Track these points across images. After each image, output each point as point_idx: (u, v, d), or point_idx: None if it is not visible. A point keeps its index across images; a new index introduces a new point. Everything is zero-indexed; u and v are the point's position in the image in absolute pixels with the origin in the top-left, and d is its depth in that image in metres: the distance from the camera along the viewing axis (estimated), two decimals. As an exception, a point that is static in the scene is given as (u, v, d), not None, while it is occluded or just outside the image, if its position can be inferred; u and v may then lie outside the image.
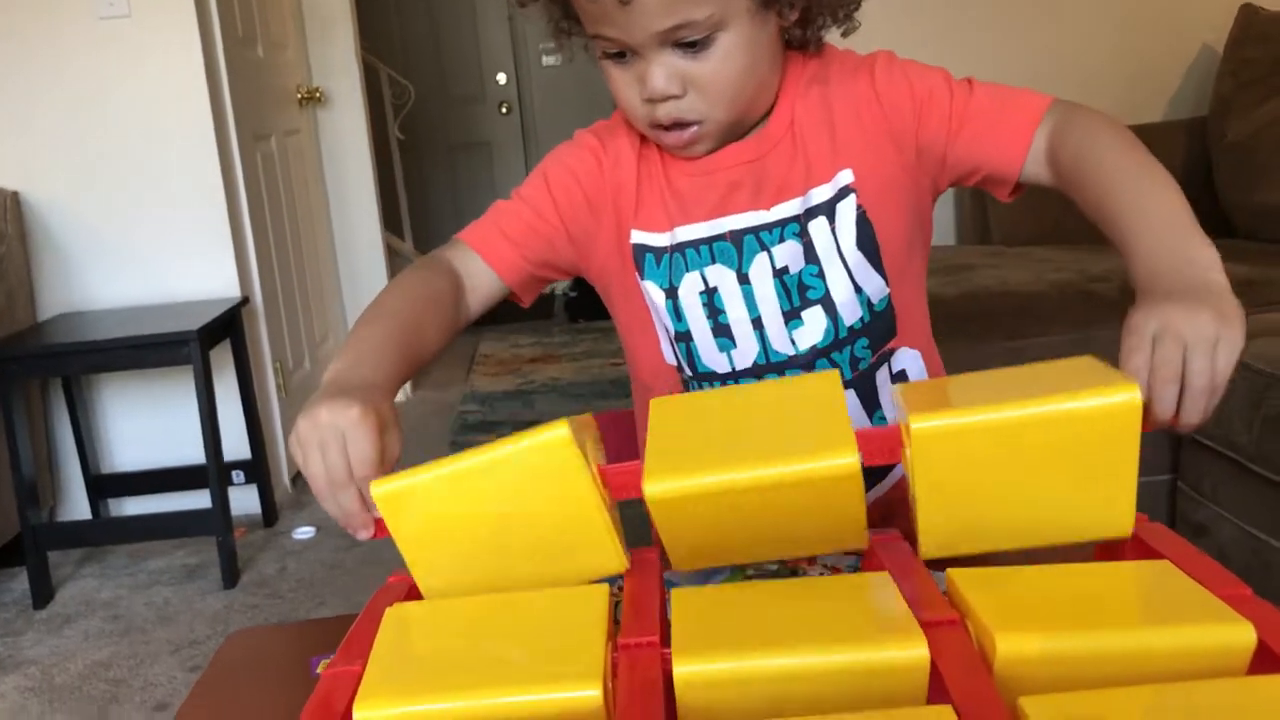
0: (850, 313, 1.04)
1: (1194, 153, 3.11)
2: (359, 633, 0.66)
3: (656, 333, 1.09)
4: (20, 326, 2.73)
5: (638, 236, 1.06)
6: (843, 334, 1.04)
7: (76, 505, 2.96)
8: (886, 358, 1.08)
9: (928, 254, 1.11)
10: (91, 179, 2.88)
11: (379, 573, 2.73)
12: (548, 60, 6.28)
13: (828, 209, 1.02)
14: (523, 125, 6.38)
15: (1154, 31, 3.33)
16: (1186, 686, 0.52)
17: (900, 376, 1.09)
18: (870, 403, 1.08)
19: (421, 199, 6.02)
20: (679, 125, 0.98)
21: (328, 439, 0.77)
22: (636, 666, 0.58)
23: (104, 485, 2.97)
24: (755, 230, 1.03)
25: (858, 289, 1.03)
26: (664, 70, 0.94)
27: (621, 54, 0.96)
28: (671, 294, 1.05)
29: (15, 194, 2.80)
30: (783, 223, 1.03)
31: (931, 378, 1.11)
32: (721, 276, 1.04)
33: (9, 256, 2.69)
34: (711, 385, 1.08)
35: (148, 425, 2.98)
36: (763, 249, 1.03)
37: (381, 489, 0.70)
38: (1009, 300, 2.30)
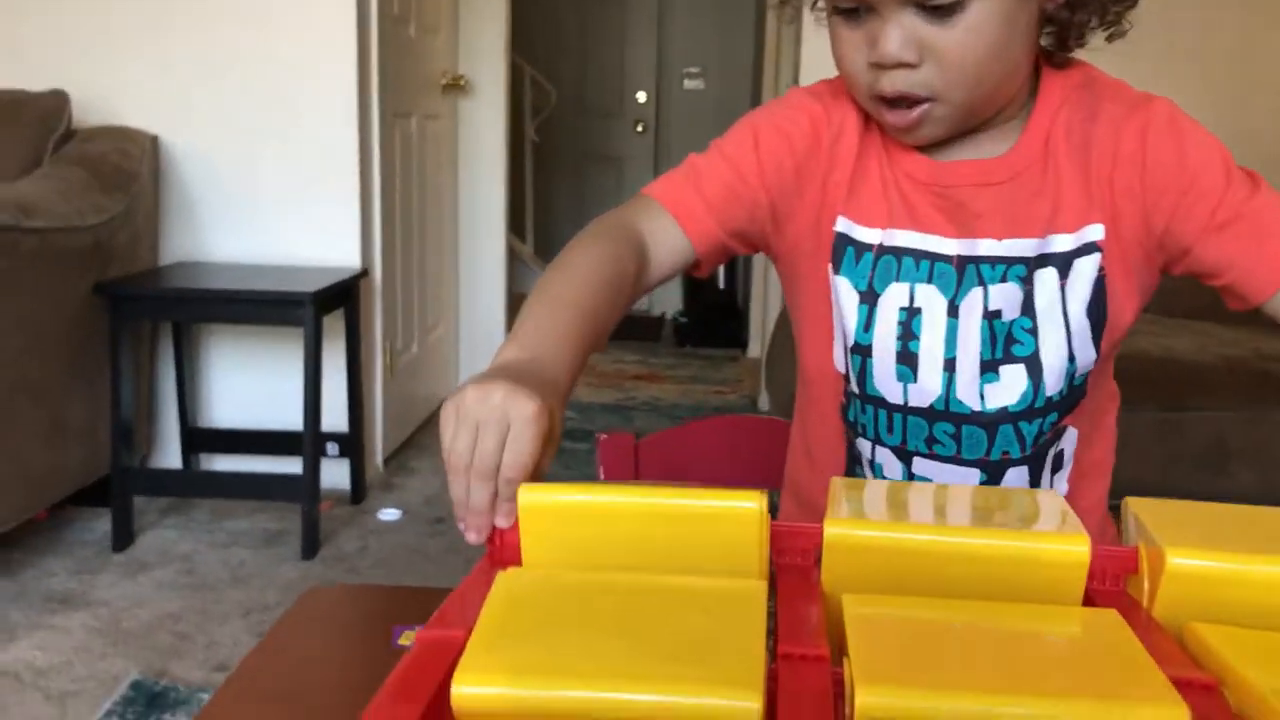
0: (1054, 382, 0.91)
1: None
2: (461, 598, 0.55)
3: (833, 332, 0.97)
4: (141, 268, 2.72)
5: (843, 225, 0.94)
6: (1039, 403, 0.91)
7: (168, 456, 2.94)
8: (1060, 434, 0.95)
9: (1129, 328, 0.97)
10: (230, 133, 2.87)
11: (461, 563, 2.66)
12: (689, 84, 6.22)
13: (1063, 262, 0.89)
14: (656, 145, 6.32)
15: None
16: None
17: (1060, 456, 0.96)
18: (1035, 481, 0.95)
19: (546, 204, 5.99)
20: (906, 102, 0.85)
21: (490, 423, 0.66)
22: (803, 681, 0.47)
23: (198, 439, 2.94)
24: (978, 261, 0.90)
25: (1070, 358, 0.90)
26: (901, 32, 0.82)
27: (855, 10, 0.85)
28: (868, 299, 0.93)
29: (155, 138, 2.80)
30: (1010, 261, 0.90)
31: (1084, 458, 0.98)
32: (930, 300, 0.91)
33: (140, 198, 2.68)
34: (877, 413, 0.95)
35: (250, 385, 2.94)
36: (980, 284, 0.90)
37: (531, 497, 0.60)
38: (1171, 368, 2.13)
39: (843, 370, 0.97)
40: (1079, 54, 0.93)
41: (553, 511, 0.60)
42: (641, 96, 6.29)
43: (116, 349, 2.52)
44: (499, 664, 0.47)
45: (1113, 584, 0.59)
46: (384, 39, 3.02)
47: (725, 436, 1.26)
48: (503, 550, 0.62)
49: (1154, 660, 0.47)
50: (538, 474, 0.67)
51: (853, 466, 1.01)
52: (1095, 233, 0.89)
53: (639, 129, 6.32)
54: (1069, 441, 0.97)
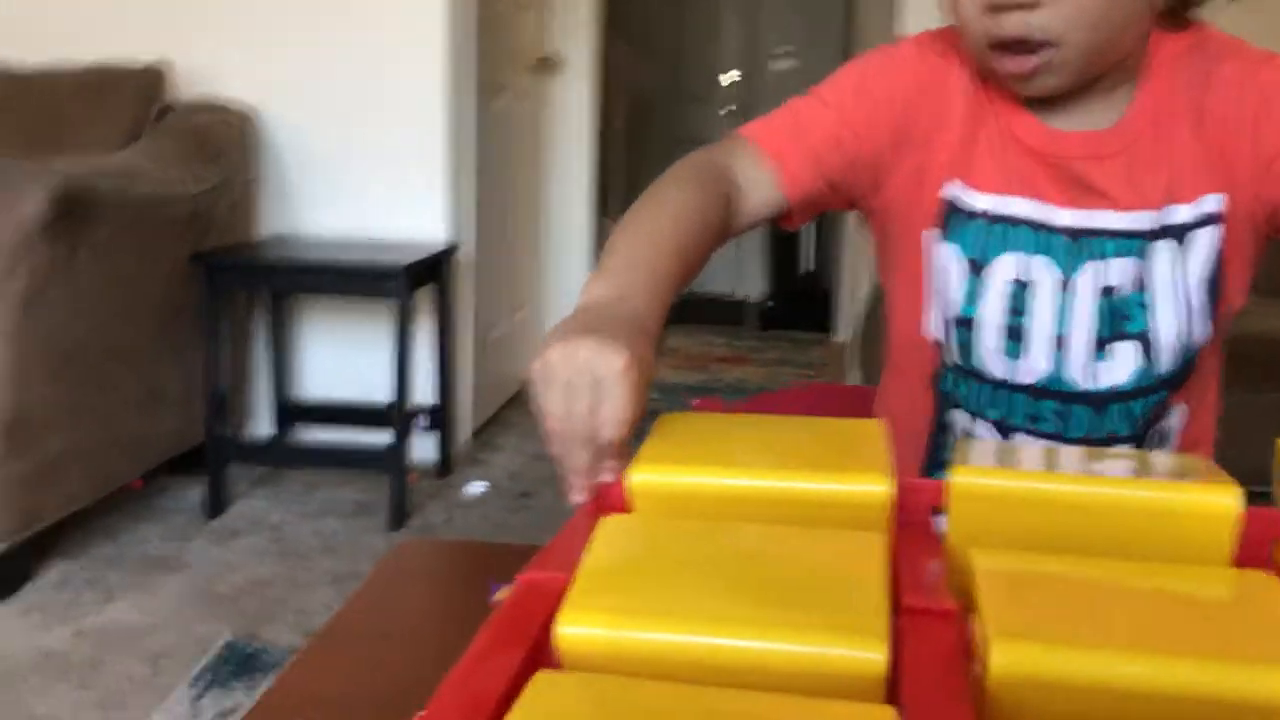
0: (1168, 359, 0.87)
1: None
2: (564, 543, 0.53)
3: (923, 299, 0.93)
4: (237, 240, 2.76)
5: (953, 189, 0.89)
6: (1150, 381, 0.87)
7: (261, 426, 2.98)
8: (1167, 411, 0.91)
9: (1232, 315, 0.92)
10: (325, 107, 2.89)
11: (546, 538, 2.63)
12: (779, 65, 6.15)
13: (1181, 234, 0.85)
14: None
15: None
16: None
17: (1165, 432, 0.92)
18: None
19: (634, 188, 5.96)
20: (1024, 48, 0.80)
21: (579, 385, 0.63)
22: (930, 636, 0.43)
23: (291, 411, 2.98)
24: (1098, 234, 0.86)
25: (1187, 333, 0.86)
26: None
27: None
28: (976, 269, 0.88)
29: (252, 112, 2.83)
30: (1129, 234, 0.85)
31: (1187, 434, 0.93)
32: (1044, 274, 0.87)
33: (237, 170, 2.72)
34: (978, 388, 0.91)
35: (341, 358, 2.97)
36: (1095, 258, 0.86)
37: (643, 478, 0.57)
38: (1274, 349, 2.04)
39: (934, 339, 0.93)
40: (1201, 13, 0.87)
41: (667, 492, 0.57)
42: (730, 78, 6.24)
43: (213, 319, 2.55)
44: (605, 605, 0.44)
45: (1259, 549, 0.54)
46: (476, 15, 3.02)
47: (813, 405, 1.23)
48: (607, 499, 0.59)
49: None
50: (639, 422, 0.64)
51: (939, 438, 0.97)
52: (1213, 203, 0.85)
53: (727, 111, 6.27)
54: (1176, 418, 0.92)
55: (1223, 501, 0.52)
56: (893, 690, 0.41)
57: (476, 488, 2.82)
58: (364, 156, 2.91)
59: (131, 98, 2.64)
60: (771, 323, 5.14)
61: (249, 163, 2.82)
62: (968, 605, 0.46)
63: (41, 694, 1.78)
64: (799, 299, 5.17)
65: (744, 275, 5.61)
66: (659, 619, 0.43)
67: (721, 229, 0.86)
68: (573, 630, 0.43)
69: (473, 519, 2.64)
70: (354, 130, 2.90)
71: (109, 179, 2.19)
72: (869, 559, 0.48)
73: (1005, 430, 0.92)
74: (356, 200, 2.93)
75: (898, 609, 0.46)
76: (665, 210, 0.82)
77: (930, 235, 0.90)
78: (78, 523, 2.37)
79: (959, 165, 0.89)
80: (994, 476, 0.54)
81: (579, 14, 3.93)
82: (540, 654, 0.43)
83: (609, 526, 0.52)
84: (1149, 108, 0.86)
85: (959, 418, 0.95)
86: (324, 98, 2.89)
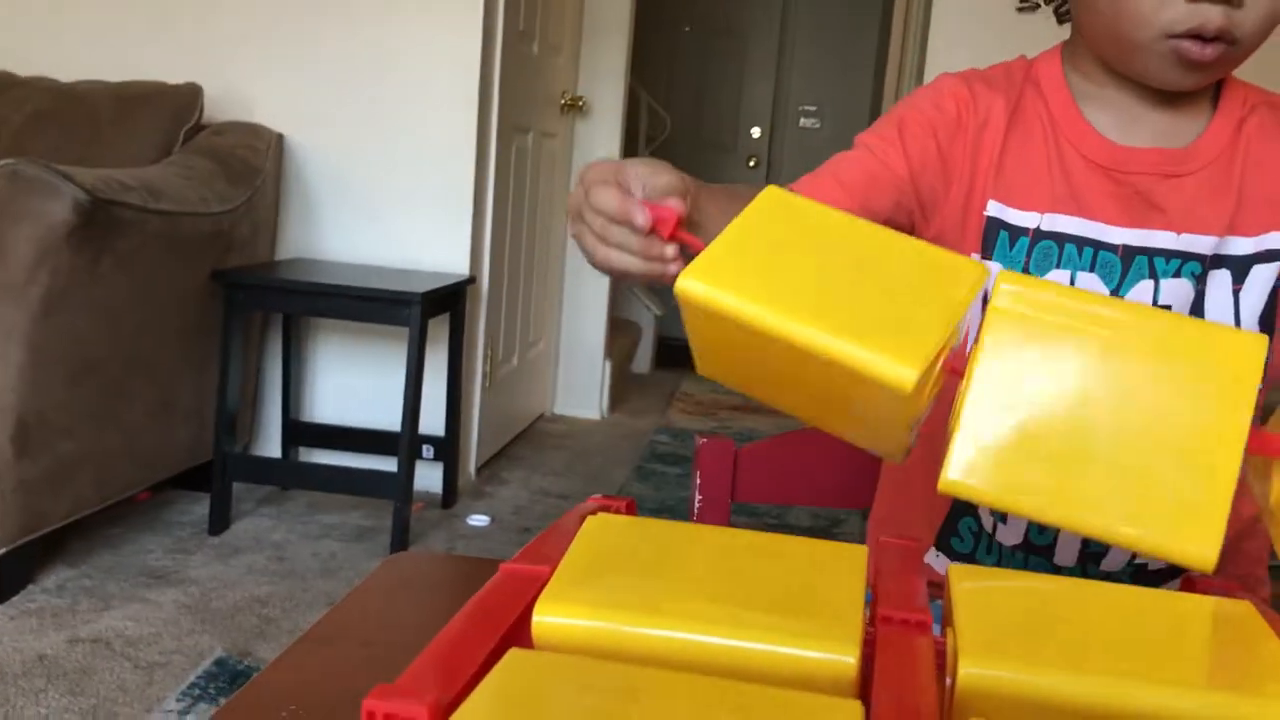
0: None
1: None
2: (549, 539, 0.54)
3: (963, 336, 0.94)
4: (259, 260, 2.79)
5: (996, 209, 0.91)
6: None
7: (269, 446, 2.99)
8: None
9: None
10: (353, 136, 2.93)
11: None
12: (805, 122, 6.21)
13: (1240, 265, 0.87)
14: (768, 181, 6.30)
15: None
16: None
17: None
18: None
19: (655, 234, 6.00)
20: (1216, 39, 0.82)
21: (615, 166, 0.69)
22: (903, 645, 0.44)
23: (299, 432, 2.99)
24: (1151, 253, 0.87)
25: None
26: None
27: None
28: None
29: (281, 136, 2.87)
30: (1185, 256, 0.87)
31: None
32: (1093, 289, 0.88)
33: (262, 192, 2.75)
34: None
35: (352, 383, 2.99)
36: (1150, 277, 0.87)
37: (690, 284, 0.52)
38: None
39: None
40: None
41: (713, 308, 0.56)
42: (756, 132, 6.29)
43: (229, 336, 2.58)
44: (583, 597, 0.45)
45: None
46: (507, 54, 3.06)
47: (826, 447, 1.23)
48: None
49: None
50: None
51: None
52: (1276, 240, 0.87)
53: (752, 164, 6.31)
54: None
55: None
56: (865, 696, 0.42)
57: (479, 520, 2.82)
58: (390, 186, 2.95)
59: (167, 114, 2.68)
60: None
61: (275, 186, 2.85)
62: (945, 619, 0.47)
63: (32, 698, 1.78)
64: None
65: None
66: (636, 613, 0.44)
67: None
68: (550, 619, 0.44)
69: (473, 550, 2.63)
70: (382, 160, 2.94)
71: (136, 191, 2.22)
72: (848, 569, 0.48)
73: None
74: (379, 228, 2.96)
75: (875, 619, 0.46)
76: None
77: (974, 258, 0.92)
78: (81, 531, 2.38)
79: (1000, 186, 0.91)
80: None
81: (609, 59, 3.98)
82: (515, 639, 0.44)
83: (594, 525, 0.52)
84: (1223, 138, 0.89)
85: None
86: (354, 127, 2.93)
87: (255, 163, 2.73)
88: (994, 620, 0.46)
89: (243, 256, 2.68)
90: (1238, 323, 0.87)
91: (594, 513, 0.55)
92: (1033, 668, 0.42)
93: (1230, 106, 0.90)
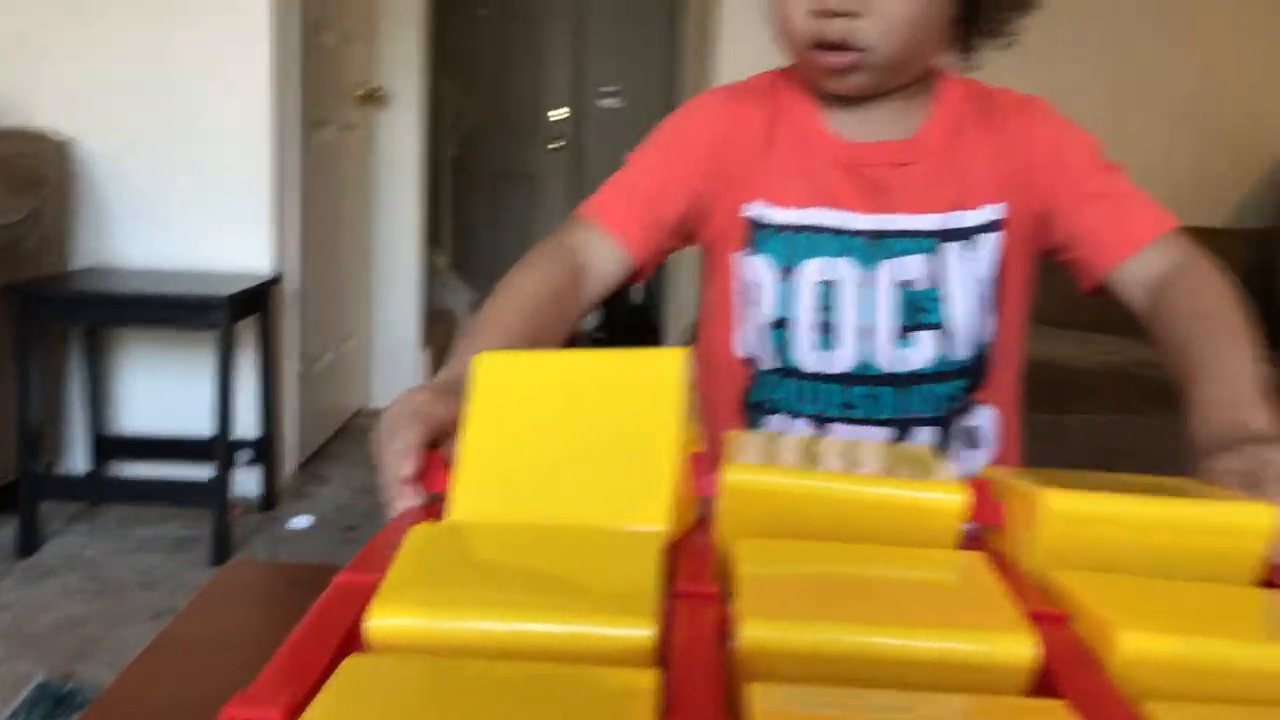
0: (961, 347, 1.00)
1: (1256, 262, 3.06)
2: (377, 548, 0.59)
3: (737, 319, 1.03)
4: (50, 271, 2.68)
5: (756, 209, 1.00)
6: (946, 367, 1.00)
7: (76, 462, 2.89)
8: (970, 408, 1.03)
9: (1027, 317, 1.06)
10: (144, 137, 2.85)
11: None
12: (606, 102, 6.29)
13: (968, 236, 0.98)
14: (573, 162, 6.37)
15: (1226, 142, 3.30)
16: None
17: (974, 433, 1.04)
18: (943, 449, 1.02)
19: (461, 220, 5.99)
20: (843, 47, 0.92)
21: (403, 414, 0.71)
22: (694, 616, 0.51)
23: (108, 446, 2.91)
24: (890, 235, 0.98)
25: (975, 325, 1.00)
26: None
27: None
28: (786, 274, 0.99)
29: (66, 142, 2.77)
30: (919, 234, 0.98)
31: (1002, 444, 1.06)
32: (845, 273, 0.99)
33: (50, 201, 2.65)
34: (796, 384, 1.01)
35: (161, 391, 2.91)
36: (892, 256, 0.98)
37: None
38: (1054, 374, 2.23)
39: (745, 355, 1.03)
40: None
41: (505, 364, 0.68)
42: (558, 114, 6.34)
43: (25, 352, 2.48)
44: (411, 599, 0.50)
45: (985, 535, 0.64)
46: (301, 46, 3.02)
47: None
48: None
49: (1012, 597, 0.52)
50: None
51: None
52: (996, 211, 0.99)
53: (556, 146, 6.36)
54: (985, 419, 1.04)
55: (949, 498, 0.61)
56: (663, 663, 0.48)
57: (302, 521, 2.81)
58: (187, 188, 2.88)
59: (-64, 124, 2.55)
60: (603, 353, 5.22)
61: (63, 194, 2.75)
62: (729, 590, 0.54)
63: None
64: (630, 330, 5.28)
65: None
66: (459, 609, 0.49)
67: (575, 300, 0.95)
68: (381, 622, 0.49)
69: (298, 553, 2.62)
70: (176, 161, 2.87)
71: (-88, 208, 2.12)
72: (645, 552, 0.55)
73: (822, 422, 1.02)
74: (178, 232, 2.89)
75: (672, 594, 0.53)
76: (512, 296, 0.91)
77: (739, 255, 1.01)
78: (-125, 566, 2.27)
79: (761, 187, 1.01)
80: (758, 473, 0.62)
81: (407, 48, 3.95)
82: (352, 647, 0.49)
83: (418, 534, 0.57)
84: (940, 127, 1.00)
85: (775, 423, 1.04)
86: (144, 128, 2.84)
87: (40, 171, 2.63)
88: (772, 586, 0.53)
89: (33, 269, 2.59)
90: (970, 287, 0.98)
91: (417, 521, 0.60)
92: (802, 626, 0.49)
93: (948, 99, 1.01)
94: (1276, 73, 3.27)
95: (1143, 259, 0.95)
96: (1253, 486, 0.68)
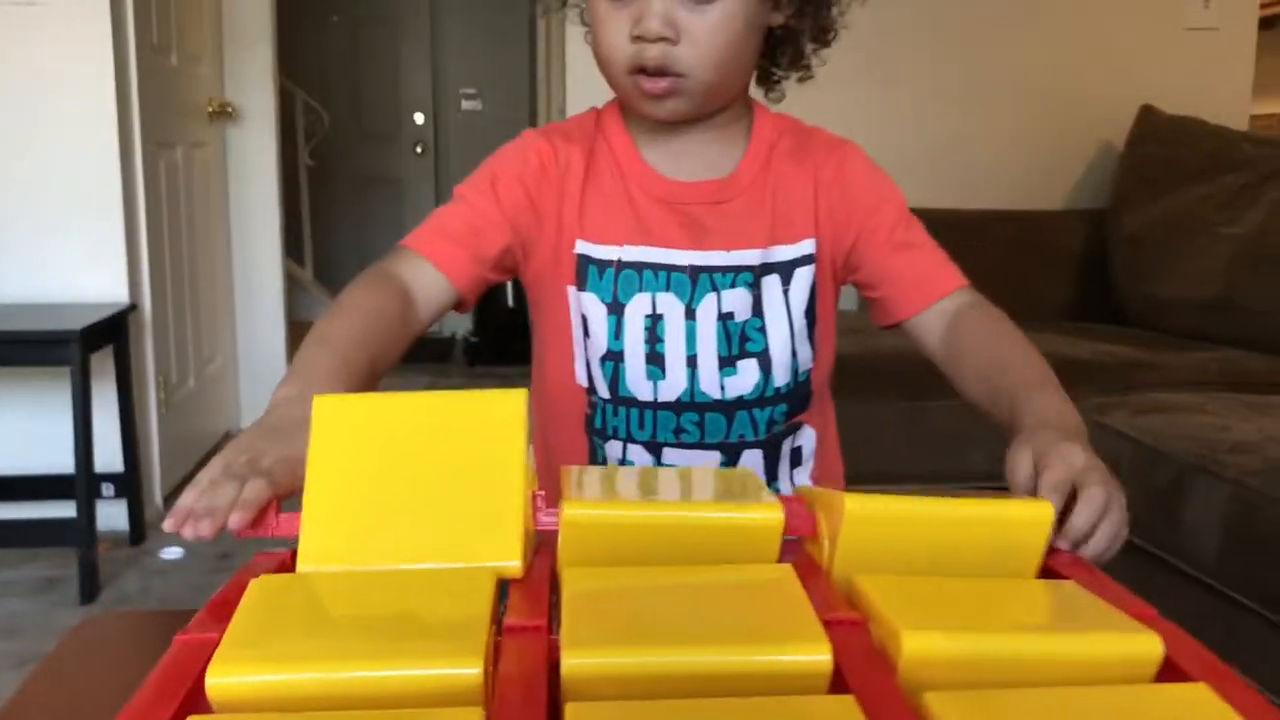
0: (781, 374, 1.05)
1: (1092, 243, 3.21)
2: (220, 603, 0.61)
3: (574, 349, 1.07)
4: (-113, 313, 2.59)
5: (583, 247, 1.04)
6: (769, 392, 1.05)
7: (-71, 508, 2.79)
8: (794, 430, 1.09)
9: (834, 342, 1.12)
10: (-18, 169, 2.76)
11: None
12: (467, 105, 6.27)
13: (785, 270, 1.04)
14: (436, 166, 6.34)
15: (1060, 127, 3.44)
16: (1093, 691, 0.50)
17: (799, 452, 1.10)
18: (771, 469, 1.09)
19: (325, 229, 5.91)
20: (662, 73, 0.96)
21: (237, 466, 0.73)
22: (523, 651, 0.54)
23: (-39, 489, 2.81)
24: (711, 270, 1.03)
25: (794, 354, 1.05)
26: (665, 10, 0.94)
27: None
28: (615, 310, 1.03)
29: (-104, 176, 2.67)
30: (738, 269, 1.03)
31: (821, 461, 1.13)
32: (670, 306, 1.03)
33: (-118, 239, 2.55)
34: (629, 412, 1.06)
35: (15, 429, 2.83)
36: (714, 290, 1.03)
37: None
38: (913, 363, 2.32)
39: (586, 383, 1.06)
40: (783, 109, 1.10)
41: (343, 406, 0.68)
42: (419, 118, 6.30)
43: None
44: (250, 656, 0.52)
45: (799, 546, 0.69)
46: (143, 68, 2.96)
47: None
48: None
49: (813, 606, 0.57)
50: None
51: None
52: (809, 246, 1.04)
53: (418, 150, 6.32)
54: (806, 440, 1.10)
55: (767, 517, 0.66)
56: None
57: (173, 553, 2.76)
58: (32, 217, 2.80)
59: None
60: (478, 358, 5.22)
61: (-104, 230, 2.65)
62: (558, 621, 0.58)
63: None
64: (504, 334, 5.28)
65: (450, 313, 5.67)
66: (294, 662, 0.52)
67: (402, 324, 0.97)
68: (220, 680, 0.51)
69: (171, 585, 2.58)
70: (21, 191, 2.79)
71: None
72: (478, 592, 0.58)
73: (655, 448, 1.07)
74: (24, 263, 2.80)
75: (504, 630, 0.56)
76: (342, 316, 0.94)
77: (571, 290, 1.04)
78: None
79: (585, 227, 1.04)
80: (595, 508, 0.66)
81: (257, 62, 3.89)
82: (198, 707, 0.51)
83: (258, 587, 0.60)
84: (755, 165, 1.05)
85: (613, 449, 1.08)
86: (-21, 159, 2.75)
87: None
88: (595, 613, 0.57)
89: None
90: (789, 317, 1.04)
91: (258, 574, 0.62)
92: (618, 650, 0.53)
93: (761, 135, 1.06)
94: (1106, 59, 3.43)
95: (939, 309, 1.02)
96: (1040, 463, 0.75)
